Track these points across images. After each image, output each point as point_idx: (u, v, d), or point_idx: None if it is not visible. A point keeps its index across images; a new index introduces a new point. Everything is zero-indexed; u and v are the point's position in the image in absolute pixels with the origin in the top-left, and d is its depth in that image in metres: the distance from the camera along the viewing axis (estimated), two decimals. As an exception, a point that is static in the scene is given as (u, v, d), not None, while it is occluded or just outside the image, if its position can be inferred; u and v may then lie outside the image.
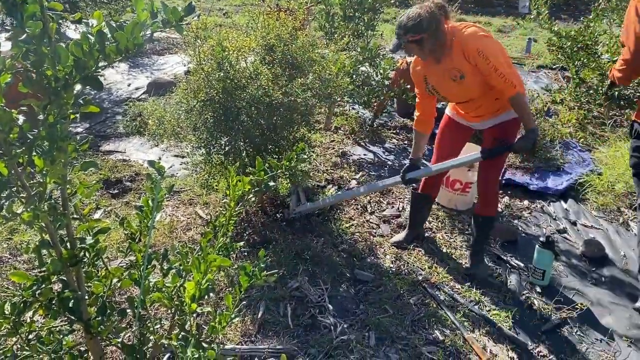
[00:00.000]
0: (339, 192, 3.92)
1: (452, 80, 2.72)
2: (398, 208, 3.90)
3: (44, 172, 1.39)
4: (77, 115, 1.42)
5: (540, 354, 2.59)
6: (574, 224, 3.78)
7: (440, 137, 3.20)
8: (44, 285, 1.51)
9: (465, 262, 3.25)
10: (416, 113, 3.11)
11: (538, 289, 3.03)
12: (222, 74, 3.03)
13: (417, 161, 3.17)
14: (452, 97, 2.91)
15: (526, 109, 2.67)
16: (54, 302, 1.55)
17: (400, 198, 4.05)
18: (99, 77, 1.31)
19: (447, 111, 3.17)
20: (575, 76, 5.66)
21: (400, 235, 3.46)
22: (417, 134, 3.15)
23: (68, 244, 1.56)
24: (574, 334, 2.72)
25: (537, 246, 3.05)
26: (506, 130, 2.87)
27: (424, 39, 2.62)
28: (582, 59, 5.46)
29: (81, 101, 1.35)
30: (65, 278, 1.57)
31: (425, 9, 2.60)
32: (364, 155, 4.79)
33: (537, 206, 4.02)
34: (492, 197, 3.09)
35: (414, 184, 3.35)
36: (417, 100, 3.09)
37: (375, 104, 5.11)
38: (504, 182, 4.24)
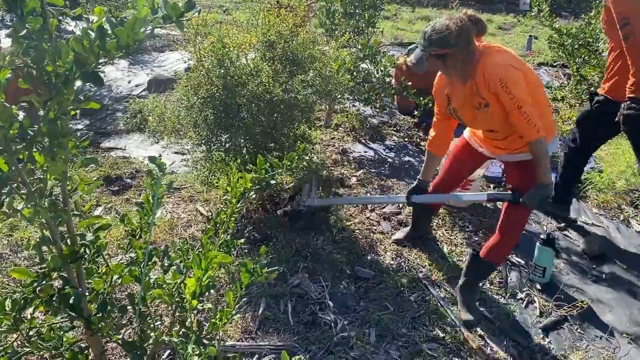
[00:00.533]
0: (349, 196, 3.86)
1: (476, 108, 2.46)
2: (398, 205, 3.90)
3: (45, 168, 1.39)
4: (78, 111, 1.42)
5: (541, 351, 2.59)
6: (575, 221, 3.78)
7: (452, 160, 3.02)
8: (44, 282, 1.51)
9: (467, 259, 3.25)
10: (432, 133, 2.89)
11: (538, 287, 3.03)
12: (222, 71, 3.03)
13: (425, 183, 3.02)
14: (474, 124, 2.67)
15: (544, 159, 2.38)
16: (54, 298, 1.55)
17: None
18: (99, 73, 1.31)
19: (465, 134, 2.93)
20: (576, 73, 5.65)
21: (401, 233, 3.46)
22: (430, 155, 2.95)
23: (68, 241, 1.56)
24: (574, 331, 2.72)
25: (537, 243, 3.05)
26: (528, 169, 2.52)
27: (448, 55, 2.34)
28: (583, 56, 5.46)
29: (81, 97, 1.35)
30: (65, 274, 1.57)
31: (455, 21, 2.32)
32: (365, 152, 4.78)
33: (537, 203, 4.02)
34: (508, 242, 2.76)
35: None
36: (435, 119, 2.85)
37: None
38: (497, 179, 4.24)
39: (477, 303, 2.84)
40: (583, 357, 2.54)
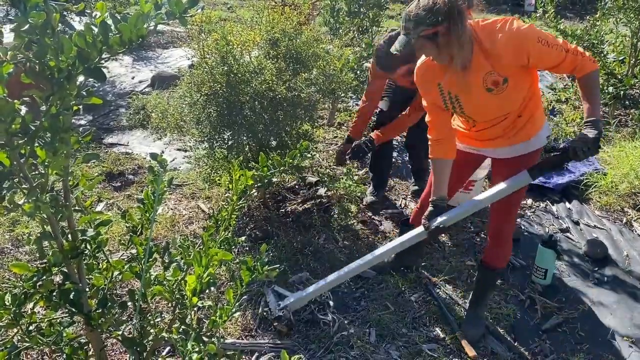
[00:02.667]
0: (339, 273, 2.65)
1: (488, 90, 2.15)
2: (400, 205, 3.89)
3: (46, 163, 1.39)
4: (80, 107, 1.41)
5: (542, 353, 2.58)
6: (577, 223, 3.76)
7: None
8: (44, 277, 1.51)
9: (468, 260, 3.24)
10: (430, 137, 2.41)
11: (540, 288, 3.02)
12: (226, 68, 3.02)
13: (442, 200, 2.40)
14: (480, 113, 2.30)
15: (599, 90, 2.12)
16: (54, 293, 1.55)
17: (403, 195, 4.04)
18: (102, 68, 1.31)
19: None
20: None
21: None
22: (437, 163, 2.42)
23: (69, 236, 1.56)
24: (575, 333, 2.71)
25: (539, 245, 3.04)
26: (520, 167, 2.29)
27: (440, 34, 2.01)
28: (587, 57, 5.44)
29: (84, 93, 1.34)
30: (66, 270, 1.57)
31: None
32: (367, 151, 4.77)
33: (540, 205, 4.01)
34: (504, 243, 2.58)
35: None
36: (427, 118, 2.41)
37: None
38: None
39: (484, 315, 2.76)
40: (583, 358, 2.53)
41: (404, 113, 3.36)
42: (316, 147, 4.30)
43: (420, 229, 2.42)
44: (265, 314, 2.63)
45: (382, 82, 3.50)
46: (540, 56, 2.06)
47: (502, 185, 2.30)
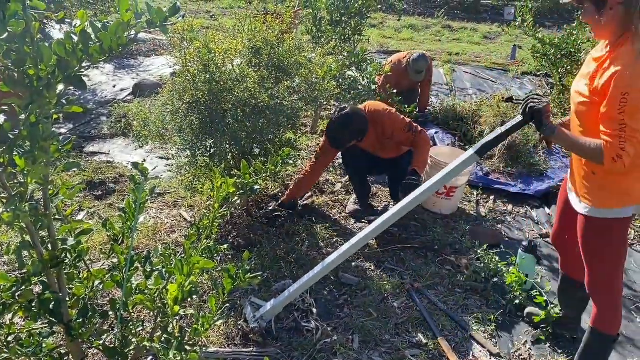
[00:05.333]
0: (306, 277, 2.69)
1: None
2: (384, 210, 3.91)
3: (26, 172, 1.38)
4: (61, 115, 1.41)
5: (521, 357, 2.61)
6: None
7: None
8: (24, 287, 1.49)
9: (449, 266, 3.27)
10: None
11: (521, 293, 3.05)
12: (208, 76, 3.03)
13: None
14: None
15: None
16: (34, 303, 1.53)
17: (385, 202, 4.06)
18: (82, 77, 1.30)
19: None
20: (558, 83, 5.73)
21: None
22: None
23: (49, 245, 1.55)
24: (555, 338, 2.74)
25: (519, 250, 3.08)
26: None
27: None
28: (565, 66, 5.54)
29: (64, 101, 1.34)
30: (46, 280, 1.56)
31: None
32: (350, 159, 4.79)
33: (520, 211, 4.06)
34: (605, 305, 2.23)
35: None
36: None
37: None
38: (480, 185, 4.29)
39: None
40: (564, 363, 2.57)
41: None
42: (299, 155, 4.31)
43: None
44: (241, 327, 2.62)
45: (330, 158, 3.74)
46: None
47: (449, 167, 2.36)
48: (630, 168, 1.89)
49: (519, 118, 2.11)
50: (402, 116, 3.50)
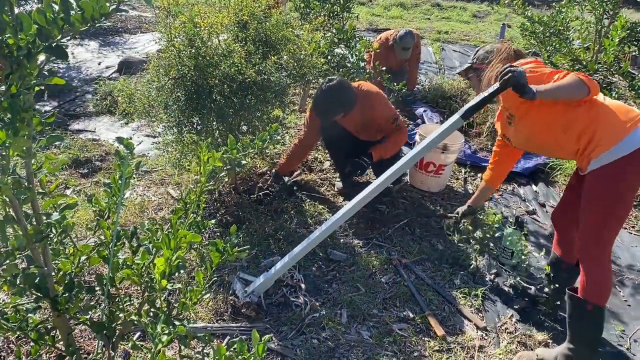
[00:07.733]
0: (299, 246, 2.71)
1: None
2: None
3: (7, 144, 1.35)
4: (45, 93, 1.38)
5: (507, 330, 2.65)
6: (543, 205, 3.86)
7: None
8: (7, 261, 1.48)
9: (438, 242, 3.30)
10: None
11: (507, 268, 3.09)
12: (193, 51, 2.98)
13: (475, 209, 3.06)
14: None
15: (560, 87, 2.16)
16: (19, 278, 1.51)
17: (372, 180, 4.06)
18: (64, 47, 1.27)
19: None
20: (547, 61, 5.73)
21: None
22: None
23: (33, 220, 1.53)
24: (540, 311, 2.79)
25: (506, 226, 3.11)
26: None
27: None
28: (554, 44, 5.53)
29: (46, 72, 1.31)
30: (30, 254, 1.54)
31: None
32: (338, 137, 4.78)
33: (507, 188, 4.09)
34: (597, 274, 2.25)
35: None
36: None
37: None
38: (468, 163, 4.31)
39: None
40: (548, 336, 2.60)
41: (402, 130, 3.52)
42: (287, 132, 4.29)
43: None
44: (232, 302, 2.64)
45: (317, 132, 3.67)
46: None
47: (438, 130, 2.51)
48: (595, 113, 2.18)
49: (498, 84, 2.21)
50: (392, 107, 3.49)
